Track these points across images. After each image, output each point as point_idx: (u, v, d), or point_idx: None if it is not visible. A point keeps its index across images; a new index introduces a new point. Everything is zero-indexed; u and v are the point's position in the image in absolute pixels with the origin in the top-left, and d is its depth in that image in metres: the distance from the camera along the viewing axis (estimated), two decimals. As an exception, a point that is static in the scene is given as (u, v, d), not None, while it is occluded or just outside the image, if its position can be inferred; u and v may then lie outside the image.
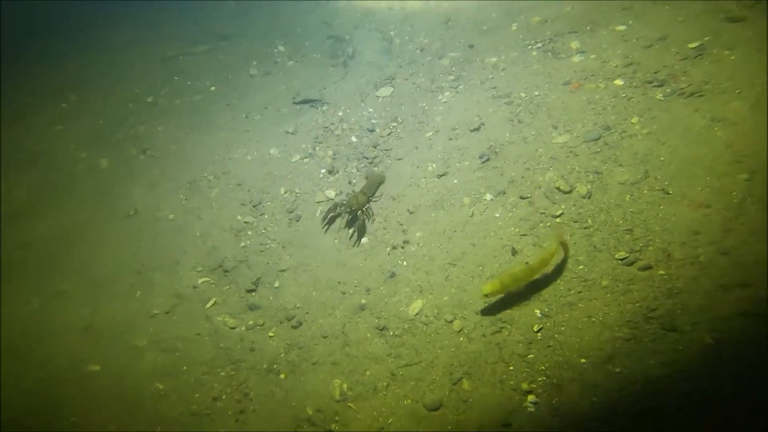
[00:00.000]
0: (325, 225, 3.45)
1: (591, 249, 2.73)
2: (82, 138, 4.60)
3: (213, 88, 5.00)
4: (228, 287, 3.41)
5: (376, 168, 3.84)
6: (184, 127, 4.62)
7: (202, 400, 2.97)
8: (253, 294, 3.33)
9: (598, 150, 3.22)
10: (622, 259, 2.62)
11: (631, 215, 2.80)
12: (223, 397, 2.96)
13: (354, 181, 3.79)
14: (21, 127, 4.67)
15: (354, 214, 3.36)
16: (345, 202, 3.38)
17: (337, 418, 2.66)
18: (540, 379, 2.35)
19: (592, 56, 3.88)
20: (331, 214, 3.43)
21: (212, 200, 3.93)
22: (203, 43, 5.53)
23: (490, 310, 2.69)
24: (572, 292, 2.60)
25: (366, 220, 3.36)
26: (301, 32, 5.57)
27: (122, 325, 3.40)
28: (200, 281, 3.49)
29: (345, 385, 2.74)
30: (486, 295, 2.54)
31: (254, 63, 5.21)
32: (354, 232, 3.31)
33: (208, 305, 3.35)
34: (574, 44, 4.06)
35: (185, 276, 3.52)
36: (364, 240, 3.38)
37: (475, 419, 2.35)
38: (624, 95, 3.46)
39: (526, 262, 2.57)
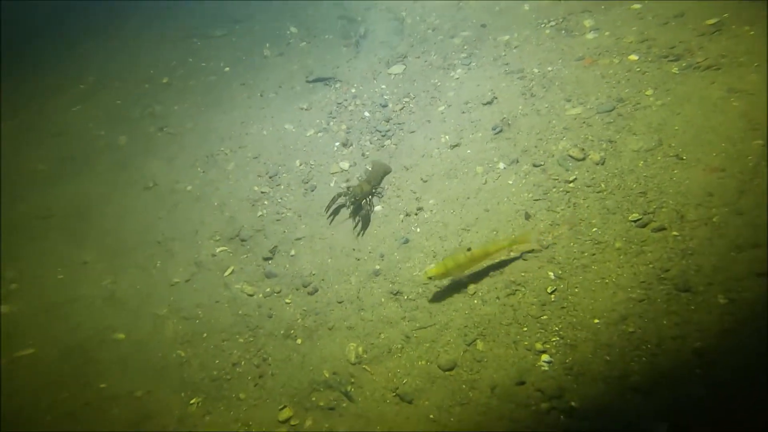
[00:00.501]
0: (330, 216, 3.41)
1: (604, 212, 2.75)
2: (100, 117, 4.71)
3: (227, 69, 5.07)
4: (245, 256, 3.50)
5: (388, 142, 3.88)
6: (200, 105, 4.71)
7: (222, 366, 3.06)
8: (270, 262, 3.41)
9: (612, 120, 3.23)
10: (635, 221, 2.64)
11: (644, 179, 2.81)
12: (243, 362, 3.05)
13: (367, 153, 3.85)
14: (42, 107, 4.80)
15: (358, 204, 3.30)
16: (349, 192, 3.32)
17: (353, 380, 2.74)
18: (554, 339, 2.40)
19: (606, 33, 3.87)
20: (335, 204, 3.38)
21: (229, 172, 4.02)
22: (216, 26, 5.58)
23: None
24: (585, 254, 2.62)
25: (370, 211, 3.29)
26: (313, 14, 5.59)
27: (144, 294, 3.50)
28: (218, 250, 3.58)
29: (360, 349, 2.81)
30: (430, 278, 2.62)
31: (267, 45, 5.26)
32: (358, 222, 3.28)
33: (227, 273, 3.45)
34: (588, 22, 4.05)
35: (204, 245, 3.62)
36: (377, 208, 3.43)
37: (488, 378, 2.40)
38: (638, 69, 3.45)
39: (468, 249, 2.60)
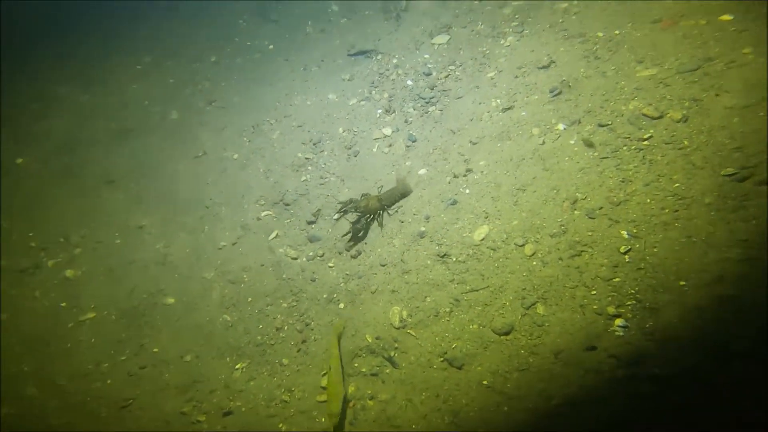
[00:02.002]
0: (338, 215, 3.22)
1: (689, 167, 2.40)
2: (154, 94, 4.94)
3: (271, 47, 5.13)
4: (289, 220, 3.47)
5: (433, 108, 3.71)
6: (246, 80, 4.80)
7: (266, 330, 3.04)
8: (313, 226, 3.36)
9: (696, 80, 2.85)
10: (730, 175, 2.28)
11: (741, 135, 2.43)
12: (286, 327, 3.01)
13: (410, 119, 3.70)
14: (104, 87, 5.13)
15: (360, 217, 3.07)
16: (358, 200, 3.11)
17: (396, 345, 2.60)
18: (629, 303, 2.11)
19: None
20: (345, 209, 3.17)
21: (274, 141, 4.04)
22: (261, 6, 5.67)
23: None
24: (666, 211, 2.29)
25: (367, 229, 3.05)
26: (354, -9, 5.51)
27: (193, 258, 3.58)
28: (263, 214, 3.59)
29: (404, 312, 2.66)
30: (337, 414, 2.44)
31: (309, 22, 5.27)
32: (348, 233, 3.07)
33: (271, 237, 3.44)
34: None
35: (249, 209, 3.64)
36: (422, 171, 3.26)
37: (552, 343, 2.16)
38: (734, 29, 3.02)
39: (324, 373, 2.66)
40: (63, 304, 3.56)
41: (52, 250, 3.89)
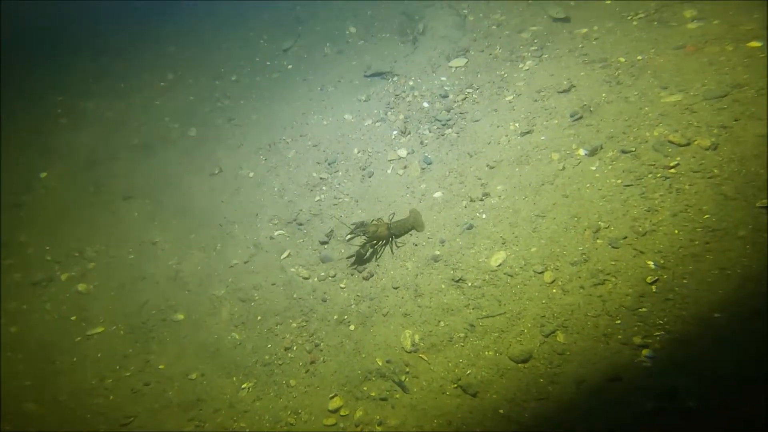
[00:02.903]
0: (349, 236, 3.21)
1: (720, 198, 2.32)
2: (175, 111, 5.08)
3: (290, 67, 5.26)
4: (302, 240, 3.46)
5: (449, 131, 3.71)
6: (264, 99, 4.90)
7: (274, 350, 2.99)
8: (326, 246, 3.33)
9: (725, 107, 2.80)
10: (766, 207, 2.18)
11: (774, 164, 2.34)
12: (295, 347, 2.95)
13: (426, 141, 3.69)
14: (129, 103, 5.31)
15: (366, 243, 3.07)
16: (368, 224, 3.11)
17: (407, 370, 2.51)
18: (657, 333, 2.00)
19: (715, 22, 3.44)
20: (354, 232, 3.15)
21: (290, 159, 4.07)
22: (281, 27, 5.85)
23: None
24: (696, 242, 2.20)
25: (371, 254, 3.06)
26: (372, 15, 5.66)
27: (204, 275, 3.57)
28: (276, 233, 3.58)
29: (417, 336, 2.58)
30: None
31: (327, 44, 5.40)
32: (352, 256, 3.10)
33: (283, 256, 3.41)
34: (689, 13, 3.63)
35: (262, 228, 3.64)
36: (437, 194, 3.23)
37: (573, 373, 2.05)
38: (762, 55, 2.99)
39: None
40: (73, 318, 3.56)
41: (67, 264, 3.93)
